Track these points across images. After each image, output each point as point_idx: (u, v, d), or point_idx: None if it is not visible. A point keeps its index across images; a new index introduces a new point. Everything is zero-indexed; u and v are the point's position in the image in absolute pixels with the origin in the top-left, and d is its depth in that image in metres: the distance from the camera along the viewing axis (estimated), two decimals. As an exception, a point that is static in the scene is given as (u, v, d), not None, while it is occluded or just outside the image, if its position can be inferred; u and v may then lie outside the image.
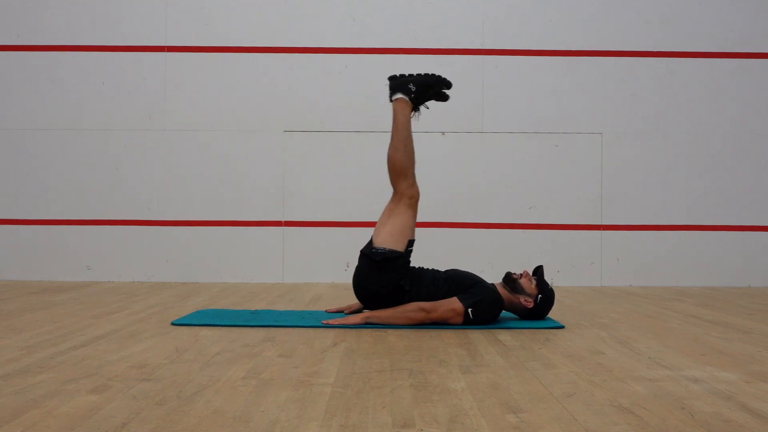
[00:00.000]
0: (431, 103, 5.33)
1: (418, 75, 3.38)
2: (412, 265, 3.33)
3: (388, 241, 3.21)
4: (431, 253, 5.24)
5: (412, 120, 3.39)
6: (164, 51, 5.38)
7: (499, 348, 2.71)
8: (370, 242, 3.27)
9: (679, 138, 5.41)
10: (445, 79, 3.40)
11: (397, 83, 3.37)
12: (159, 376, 2.17)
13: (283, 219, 5.36)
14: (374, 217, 5.34)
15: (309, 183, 5.37)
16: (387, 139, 5.34)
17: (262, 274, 5.34)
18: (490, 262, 5.25)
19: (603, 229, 5.38)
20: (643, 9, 5.42)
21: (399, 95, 3.35)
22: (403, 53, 5.39)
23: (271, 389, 2.02)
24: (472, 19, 5.41)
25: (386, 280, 3.19)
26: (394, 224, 3.24)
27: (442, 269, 3.43)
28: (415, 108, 3.39)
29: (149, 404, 1.84)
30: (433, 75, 3.39)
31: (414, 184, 3.30)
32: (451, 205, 5.36)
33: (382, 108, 5.35)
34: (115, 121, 5.36)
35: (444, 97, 3.43)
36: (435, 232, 5.33)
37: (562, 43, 5.41)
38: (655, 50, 5.41)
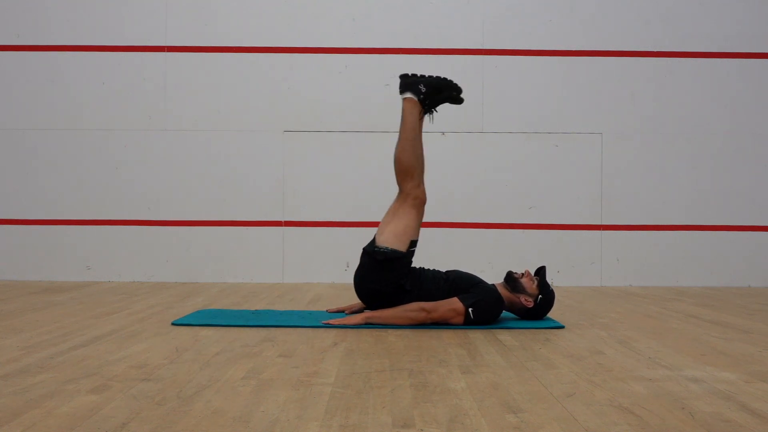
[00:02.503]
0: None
1: (430, 77, 3.34)
2: (413, 265, 3.33)
3: (391, 240, 3.20)
4: (432, 253, 5.24)
5: (426, 122, 3.37)
6: (164, 51, 5.38)
7: (499, 348, 2.71)
8: (373, 241, 3.26)
9: (679, 138, 5.41)
10: (456, 84, 3.36)
11: (408, 82, 3.33)
12: (159, 376, 2.17)
13: (283, 219, 5.36)
14: (374, 217, 5.35)
15: (309, 183, 5.37)
16: (386, 139, 5.37)
17: (262, 274, 5.34)
18: (490, 262, 5.25)
19: (603, 229, 5.38)
20: (643, 9, 5.42)
21: (408, 95, 3.31)
22: (403, 53, 5.39)
23: (271, 389, 2.02)
24: (472, 19, 5.41)
25: (387, 280, 3.19)
26: (398, 224, 3.23)
27: (443, 269, 3.44)
28: (425, 110, 3.35)
29: (149, 404, 1.84)
30: (444, 79, 3.34)
31: (420, 185, 3.28)
32: (451, 205, 5.36)
33: (382, 108, 5.36)
34: (115, 121, 5.36)
35: (457, 100, 3.38)
36: (435, 232, 5.33)
37: (562, 43, 5.41)
38: (655, 50, 5.41)
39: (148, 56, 5.38)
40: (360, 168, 5.36)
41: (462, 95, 3.39)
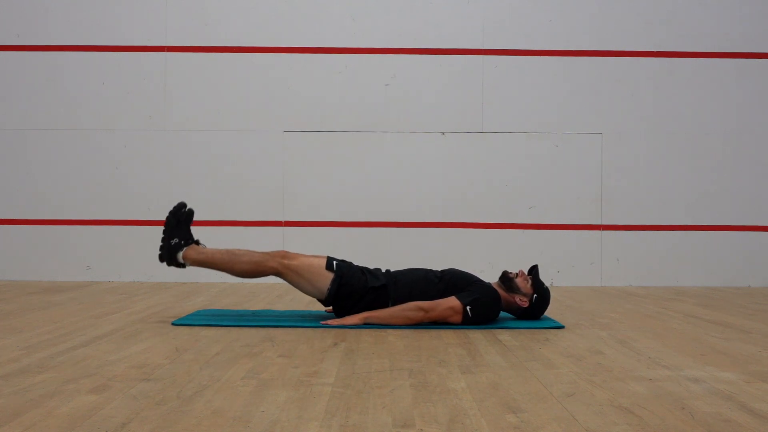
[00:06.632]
0: (434, 105, 5.36)
1: (164, 230, 3.35)
2: (379, 268, 3.41)
3: (319, 287, 3.25)
4: (431, 253, 5.25)
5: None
6: (164, 51, 5.38)
7: (499, 348, 2.71)
8: (320, 301, 3.33)
9: (679, 138, 5.41)
10: (173, 210, 3.35)
11: (168, 253, 3.34)
12: (159, 376, 2.17)
13: (283, 219, 5.36)
14: (374, 217, 5.36)
15: (309, 183, 5.37)
16: (387, 139, 5.38)
17: (262, 274, 5.33)
18: (489, 262, 5.25)
19: (603, 229, 5.38)
20: (644, 9, 5.42)
21: (179, 255, 3.33)
22: (403, 53, 5.39)
23: (271, 389, 2.02)
24: (472, 19, 5.41)
25: (356, 296, 3.24)
26: (306, 278, 3.27)
27: (441, 269, 3.44)
28: (193, 241, 3.37)
29: (149, 404, 1.84)
30: (168, 216, 3.35)
31: (270, 259, 3.29)
32: (451, 205, 5.36)
33: (382, 108, 5.36)
34: (115, 121, 5.36)
35: (191, 214, 3.38)
36: (435, 232, 5.33)
37: (562, 43, 5.41)
38: (655, 50, 5.41)
39: (148, 56, 5.38)
40: (360, 168, 5.36)
41: (185, 208, 3.37)
